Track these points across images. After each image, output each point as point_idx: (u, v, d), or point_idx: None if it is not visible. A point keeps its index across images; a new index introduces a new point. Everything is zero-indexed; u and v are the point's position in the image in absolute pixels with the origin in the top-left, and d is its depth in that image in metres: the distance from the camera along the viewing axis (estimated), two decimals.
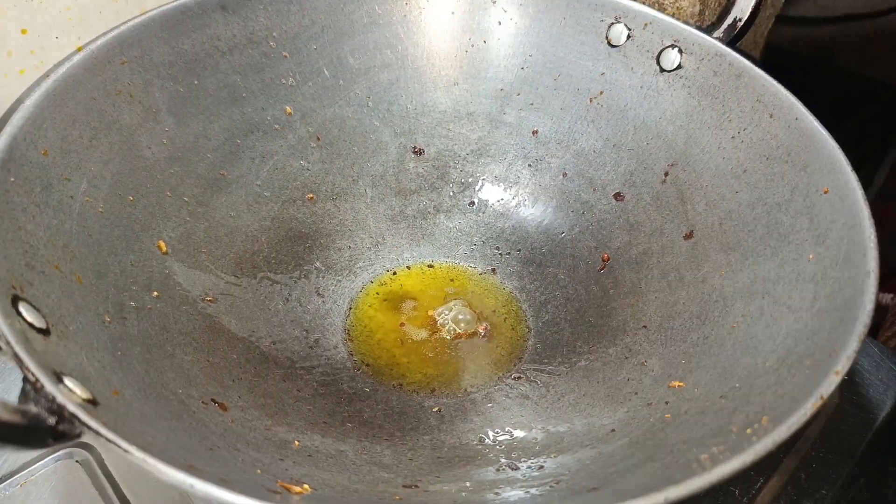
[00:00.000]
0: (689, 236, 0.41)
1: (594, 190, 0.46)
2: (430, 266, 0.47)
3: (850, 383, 0.43)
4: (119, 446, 0.23)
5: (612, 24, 0.45)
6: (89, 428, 0.23)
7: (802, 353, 0.30)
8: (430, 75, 0.48)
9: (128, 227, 0.36)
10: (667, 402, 0.34)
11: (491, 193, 0.49)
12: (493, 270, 0.47)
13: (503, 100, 0.48)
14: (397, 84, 0.48)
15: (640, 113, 0.45)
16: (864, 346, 0.28)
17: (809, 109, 0.37)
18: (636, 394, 0.36)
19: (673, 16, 0.44)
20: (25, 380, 0.24)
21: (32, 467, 0.37)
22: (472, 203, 0.49)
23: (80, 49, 0.36)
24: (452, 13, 0.47)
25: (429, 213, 0.49)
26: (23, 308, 0.27)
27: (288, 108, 0.45)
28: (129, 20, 0.39)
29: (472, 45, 0.48)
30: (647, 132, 0.44)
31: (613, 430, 0.34)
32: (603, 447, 0.33)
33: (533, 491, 0.31)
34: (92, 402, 0.25)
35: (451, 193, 0.49)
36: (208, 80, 0.42)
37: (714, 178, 0.41)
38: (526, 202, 0.49)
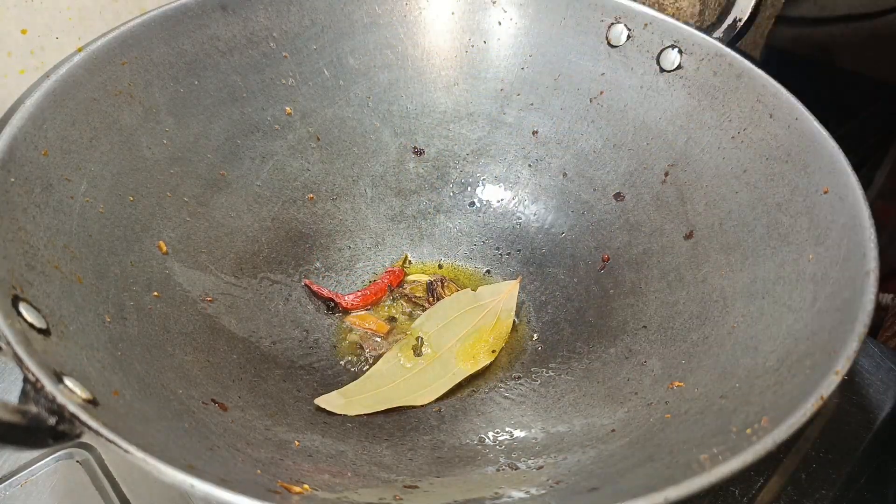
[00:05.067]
0: (689, 236, 0.41)
1: (594, 190, 0.46)
2: (441, 266, 0.48)
3: (850, 383, 0.43)
4: (119, 446, 0.23)
5: (612, 24, 0.45)
6: (89, 428, 0.23)
7: (802, 353, 0.30)
8: (430, 75, 0.48)
9: (128, 227, 0.36)
10: (667, 402, 0.34)
11: (491, 194, 0.49)
12: (488, 272, 0.47)
13: (503, 100, 0.48)
14: (397, 84, 0.48)
15: (640, 113, 0.45)
16: (864, 346, 0.28)
17: (809, 109, 0.37)
18: (636, 394, 0.36)
19: (673, 16, 0.44)
20: (25, 380, 0.24)
21: (32, 467, 0.37)
22: (473, 203, 0.49)
23: (80, 49, 0.36)
24: (452, 13, 0.47)
25: (429, 213, 0.49)
26: (23, 308, 0.27)
27: (288, 108, 0.45)
28: (130, 20, 0.39)
29: (472, 45, 0.48)
30: (647, 132, 0.44)
31: (613, 430, 0.34)
32: (603, 447, 0.33)
33: (533, 491, 0.31)
34: (92, 403, 0.25)
35: (451, 194, 0.49)
36: (208, 80, 0.42)
37: (714, 178, 0.41)
38: (526, 202, 0.49)
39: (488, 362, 0.41)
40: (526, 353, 0.43)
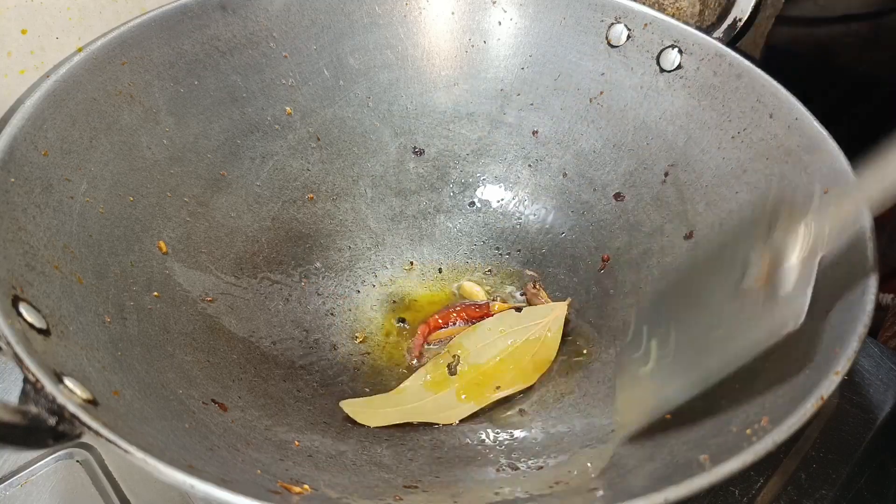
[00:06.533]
0: (689, 236, 0.41)
1: (594, 190, 0.46)
2: (440, 270, 0.47)
3: (850, 383, 0.43)
4: (119, 446, 0.23)
5: (612, 24, 0.45)
6: (89, 428, 0.23)
7: (802, 353, 0.30)
8: (430, 75, 0.48)
9: (128, 227, 0.36)
10: None
11: (491, 194, 0.49)
12: (490, 271, 0.47)
13: (503, 100, 0.48)
14: (397, 84, 0.48)
15: (640, 113, 0.45)
16: (864, 346, 0.28)
17: (809, 109, 0.37)
18: None
19: (673, 16, 0.44)
20: (26, 380, 0.24)
21: (32, 467, 0.37)
22: (473, 203, 0.49)
23: (80, 49, 0.36)
24: (452, 13, 0.47)
25: (429, 213, 0.49)
26: (23, 308, 0.27)
27: (288, 108, 0.45)
28: (130, 20, 0.39)
29: (472, 45, 0.48)
30: (647, 132, 0.44)
31: (613, 430, 0.34)
32: (603, 447, 0.33)
33: (533, 491, 0.31)
34: (92, 403, 0.25)
35: (452, 194, 0.49)
36: (208, 80, 0.42)
37: (714, 178, 0.41)
38: (526, 202, 0.49)
39: (526, 386, 0.39)
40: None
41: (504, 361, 0.40)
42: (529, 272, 0.46)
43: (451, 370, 0.40)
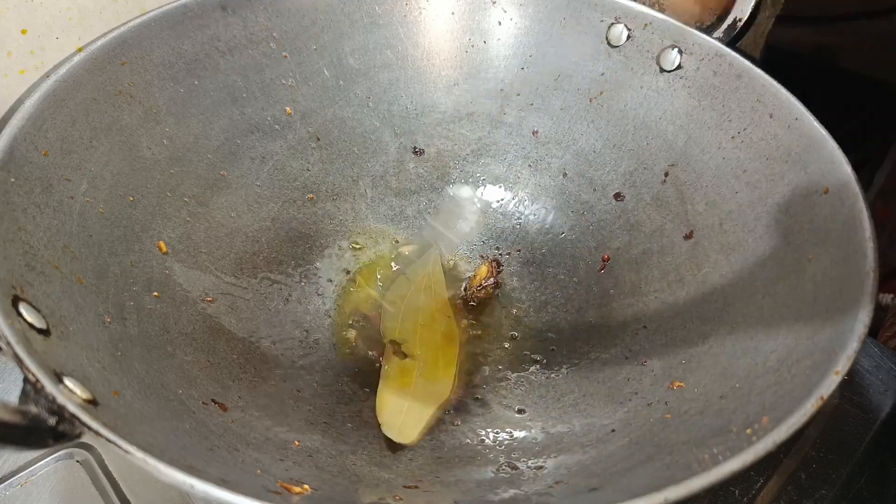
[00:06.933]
0: (689, 236, 0.41)
1: (594, 190, 0.46)
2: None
3: (850, 383, 0.43)
4: (119, 447, 0.23)
5: (612, 24, 0.45)
6: (89, 428, 0.23)
7: (802, 353, 0.30)
8: (430, 75, 0.48)
9: (128, 227, 0.36)
10: (667, 403, 0.34)
11: (491, 194, 0.49)
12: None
13: (503, 100, 0.48)
14: (397, 84, 0.48)
15: (640, 113, 0.45)
16: (864, 346, 0.28)
17: (809, 109, 0.37)
18: (636, 394, 0.36)
19: (673, 16, 0.44)
20: (26, 380, 0.24)
21: (32, 467, 0.37)
22: (472, 203, 0.49)
23: (80, 49, 0.36)
24: (452, 13, 0.47)
25: (429, 213, 0.49)
26: (23, 308, 0.27)
27: (288, 108, 0.45)
28: (130, 20, 0.39)
29: (472, 45, 0.48)
30: (647, 132, 0.45)
31: (613, 430, 0.34)
32: (603, 447, 0.33)
33: (533, 491, 0.31)
34: (92, 403, 0.25)
35: (452, 194, 0.49)
36: (208, 80, 0.42)
37: (714, 178, 0.41)
38: (526, 202, 0.49)
39: (457, 330, 0.43)
40: (526, 354, 0.43)
41: (426, 323, 0.43)
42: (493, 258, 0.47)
43: (401, 355, 0.41)
